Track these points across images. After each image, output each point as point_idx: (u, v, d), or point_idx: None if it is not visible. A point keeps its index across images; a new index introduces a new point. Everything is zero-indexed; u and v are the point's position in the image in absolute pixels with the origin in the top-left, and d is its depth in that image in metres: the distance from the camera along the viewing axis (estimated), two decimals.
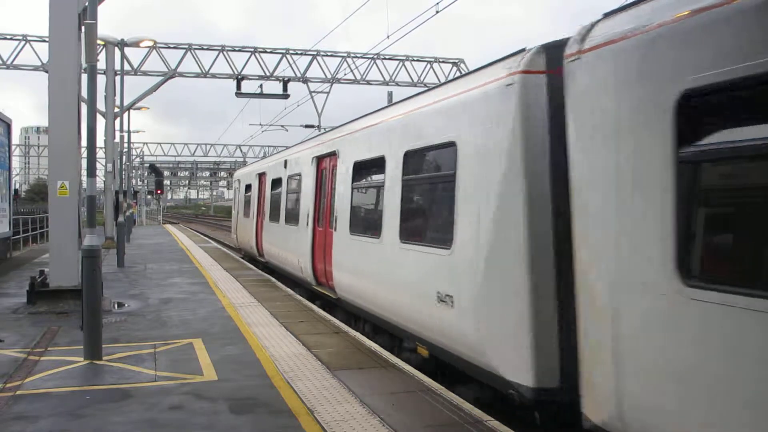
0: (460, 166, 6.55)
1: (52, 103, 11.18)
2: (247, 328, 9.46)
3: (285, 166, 15.45)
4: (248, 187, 21.09)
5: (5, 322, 10.01)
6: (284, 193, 15.50)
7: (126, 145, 30.50)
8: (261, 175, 19.06)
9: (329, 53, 34.59)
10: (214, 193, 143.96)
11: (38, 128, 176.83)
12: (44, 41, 28.85)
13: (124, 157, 28.32)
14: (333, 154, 11.46)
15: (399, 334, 8.41)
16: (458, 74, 36.84)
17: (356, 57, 34.65)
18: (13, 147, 26.47)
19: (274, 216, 16.30)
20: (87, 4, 8.97)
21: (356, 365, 7.54)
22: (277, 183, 16.45)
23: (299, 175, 14.02)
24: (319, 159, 12.51)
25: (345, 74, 34.41)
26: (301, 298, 12.86)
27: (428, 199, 7.87)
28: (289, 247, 14.43)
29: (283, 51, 33.68)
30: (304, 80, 33.86)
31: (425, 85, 35.49)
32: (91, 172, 8.32)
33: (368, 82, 34.83)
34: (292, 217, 14.23)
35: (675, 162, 3.87)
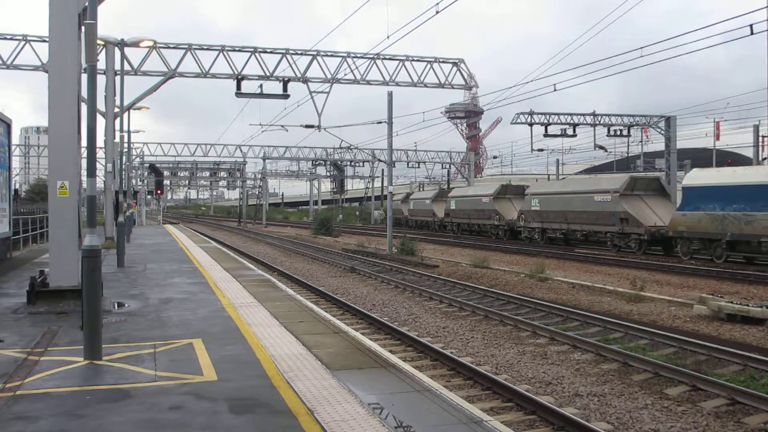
0: None
1: (52, 103, 11.17)
2: (247, 328, 9.46)
3: None
4: None
5: (5, 322, 10.00)
6: None
7: (126, 145, 30.47)
8: None
9: (329, 53, 34.59)
10: (214, 193, 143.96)
11: (38, 128, 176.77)
12: (44, 41, 28.84)
13: (124, 157, 28.29)
14: None
15: None
16: (458, 74, 36.78)
17: (356, 57, 34.65)
18: (13, 147, 26.45)
19: None
20: (87, 4, 8.96)
21: (356, 365, 7.55)
22: None
23: None
24: None
25: (345, 74, 34.41)
26: (301, 298, 12.86)
27: None
28: None
29: (283, 51, 33.67)
30: (304, 80, 33.84)
31: (425, 85, 35.55)
32: (91, 172, 8.31)
33: (368, 82, 34.82)
34: None
35: None
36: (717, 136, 58.10)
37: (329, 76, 34.33)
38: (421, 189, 70.98)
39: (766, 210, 21.90)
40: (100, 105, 24.27)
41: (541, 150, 54.20)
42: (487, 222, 41.99)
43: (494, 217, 40.75)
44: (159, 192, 59.93)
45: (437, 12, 19.90)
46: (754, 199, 22.36)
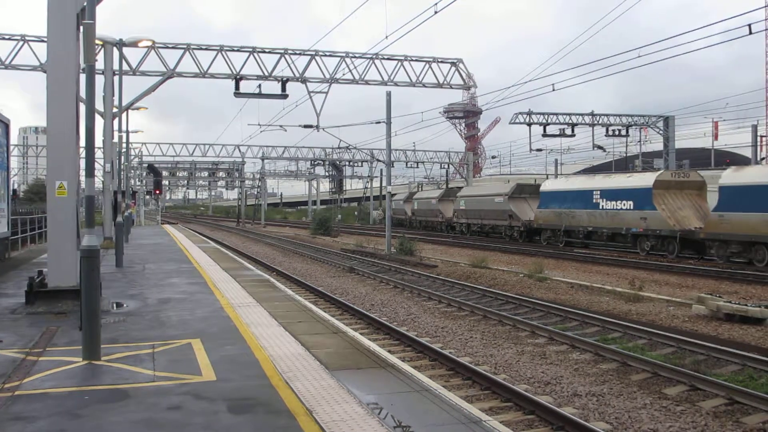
0: None
1: (51, 103, 11.16)
2: (246, 328, 9.46)
3: None
4: None
5: (3, 322, 9.99)
6: None
7: (124, 145, 30.47)
8: None
9: (328, 53, 34.61)
10: (213, 194, 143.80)
11: (36, 128, 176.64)
12: (42, 41, 28.85)
13: (122, 157, 28.28)
14: None
15: None
16: (457, 74, 36.69)
17: (355, 57, 34.67)
18: (11, 147, 26.43)
19: None
20: (85, 4, 8.96)
21: (355, 365, 7.54)
22: None
23: None
24: None
25: (344, 74, 34.45)
26: (300, 298, 12.86)
27: None
28: None
29: (282, 51, 33.68)
30: (303, 80, 33.85)
31: (424, 85, 35.57)
32: (90, 172, 8.31)
33: (367, 82, 34.84)
34: None
35: None
36: (716, 136, 58.16)
37: (328, 76, 34.35)
38: (420, 189, 71.23)
39: (581, 207, 31.38)
40: (99, 105, 24.25)
41: (539, 150, 54.59)
42: (435, 219, 51.79)
43: (439, 215, 50.47)
44: (157, 192, 59.79)
45: (435, 12, 19.91)
46: (576, 200, 31.94)
